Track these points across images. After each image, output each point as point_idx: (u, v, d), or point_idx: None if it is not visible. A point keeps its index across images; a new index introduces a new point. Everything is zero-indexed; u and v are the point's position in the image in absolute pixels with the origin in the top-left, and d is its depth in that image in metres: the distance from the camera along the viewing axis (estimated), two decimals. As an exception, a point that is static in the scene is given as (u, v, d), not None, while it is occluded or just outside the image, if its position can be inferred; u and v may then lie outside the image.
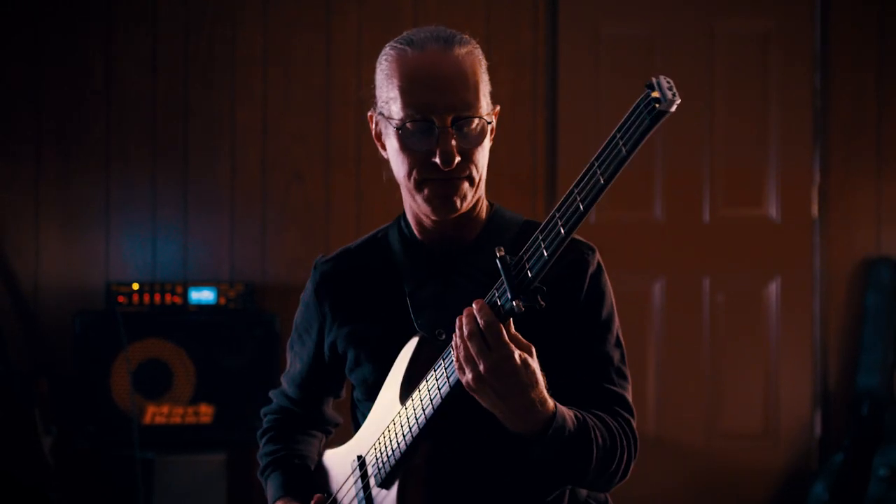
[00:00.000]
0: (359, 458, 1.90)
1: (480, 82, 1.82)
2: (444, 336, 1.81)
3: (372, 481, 1.86)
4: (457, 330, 1.65)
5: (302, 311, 2.06)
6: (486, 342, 1.61)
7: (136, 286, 4.20)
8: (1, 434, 4.04)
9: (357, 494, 1.90)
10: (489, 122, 1.82)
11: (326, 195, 4.60)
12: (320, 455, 2.07)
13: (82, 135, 4.49)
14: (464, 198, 1.82)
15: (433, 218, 1.85)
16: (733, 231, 4.77)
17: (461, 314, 1.68)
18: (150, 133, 4.52)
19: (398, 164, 1.84)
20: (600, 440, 1.75)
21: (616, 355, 1.89)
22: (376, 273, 1.95)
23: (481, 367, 1.61)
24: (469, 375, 1.63)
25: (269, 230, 4.56)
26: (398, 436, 1.79)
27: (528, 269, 1.57)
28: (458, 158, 1.77)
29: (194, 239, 4.52)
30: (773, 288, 4.78)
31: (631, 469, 1.83)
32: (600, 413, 1.80)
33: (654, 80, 1.43)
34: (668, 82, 1.43)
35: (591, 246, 1.91)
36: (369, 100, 1.91)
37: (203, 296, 4.23)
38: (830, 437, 4.72)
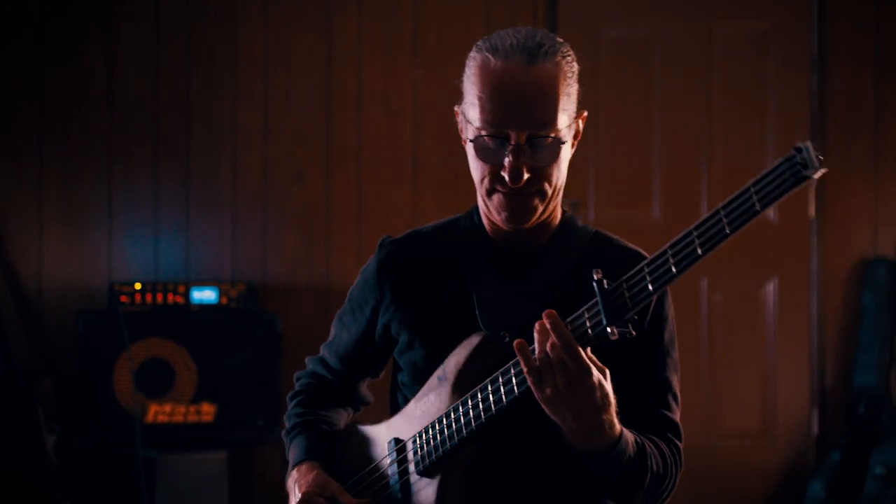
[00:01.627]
0: (397, 440, 1.90)
1: (561, 96, 1.79)
2: (508, 338, 1.80)
3: (411, 467, 1.86)
4: (536, 339, 1.64)
5: (360, 285, 2.03)
6: (564, 358, 1.62)
7: (138, 286, 4.22)
8: (4, 433, 4.06)
9: (392, 476, 1.90)
10: (563, 143, 1.80)
11: (327, 196, 4.62)
12: (352, 428, 2.05)
13: (85, 135, 4.51)
14: (533, 212, 1.83)
15: (503, 226, 1.87)
16: (731, 231, 4.79)
17: (530, 318, 1.67)
18: (152, 134, 4.54)
19: (473, 168, 1.86)
20: (654, 467, 1.77)
21: (674, 379, 1.90)
22: (443, 262, 1.95)
23: (559, 382, 1.63)
24: (547, 391, 1.64)
25: (271, 230, 4.58)
26: (450, 429, 1.78)
27: (628, 297, 1.58)
28: (527, 176, 1.78)
29: (196, 239, 4.54)
30: (771, 288, 4.80)
31: (672, 493, 1.85)
32: (657, 439, 1.82)
33: (802, 144, 1.42)
34: (816, 149, 1.42)
35: None
36: (459, 93, 1.89)
37: (205, 295, 4.25)
38: (827, 435, 4.74)
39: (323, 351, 2.13)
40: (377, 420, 2.01)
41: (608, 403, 1.66)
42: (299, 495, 1.92)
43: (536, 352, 1.65)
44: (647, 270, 1.56)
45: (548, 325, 1.63)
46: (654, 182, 4.77)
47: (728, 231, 1.47)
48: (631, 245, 1.95)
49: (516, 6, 4.69)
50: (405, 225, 4.79)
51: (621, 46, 4.78)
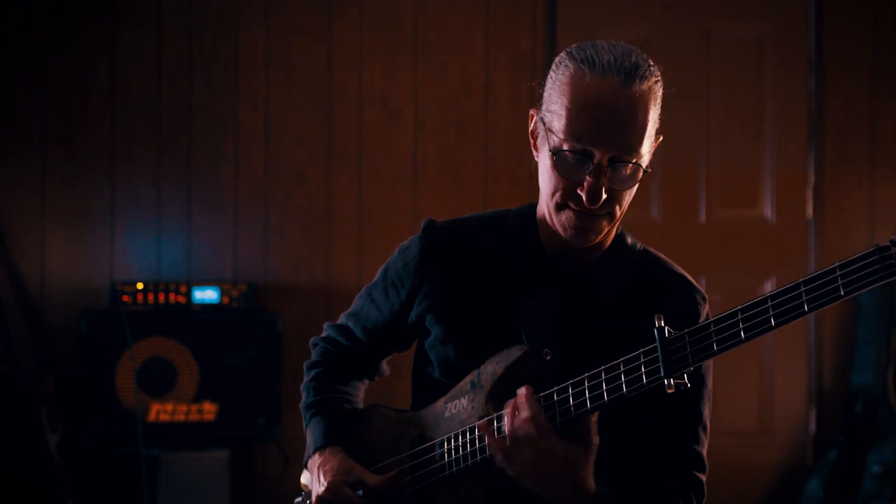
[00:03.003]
0: (422, 437, 1.88)
1: (649, 122, 1.74)
2: (549, 356, 1.80)
3: (437, 470, 1.84)
4: (507, 417, 1.66)
5: (398, 265, 1.96)
6: (534, 433, 1.64)
7: (140, 285, 4.24)
8: (8, 431, 4.07)
9: (413, 474, 1.87)
10: (645, 170, 1.75)
11: (328, 196, 4.64)
12: (373, 410, 2.02)
13: (87, 136, 4.53)
14: (599, 233, 1.78)
15: (567, 241, 1.81)
16: (729, 231, 4.82)
17: (573, 337, 1.66)
18: (154, 135, 4.57)
19: (544, 180, 1.79)
20: None
21: (706, 409, 1.86)
22: (490, 260, 1.89)
23: (527, 457, 1.65)
24: (517, 466, 1.67)
25: (272, 230, 4.60)
26: (481, 441, 1.77)
27: (690, 352, 1.54)
28: (604, 197, 1.72)
29: (198, 239, 4.56)
30: (769, 287, 4.82)
31: None
32: (665, 493, 1.80)
33: None
34: None
35: (705, 295, 1.87)
36: (537, 95, 1.83)
37: (206, 295, 4.27)
38: (825, 434, 4.76)
39: (345, 320, 2.06)
40: (392, 398, 2.01)
41: (576, 480, 1.66)
42: (325, 483, 1.89)
43: (507, 428, 1.67)
44: (713, 329, 1.52)
45: (521, 399, 1.64)
46: (653, 182, 4.79)
47: (806, 309, 1.44)
48: (678, 268, 1.91)
49: (516, 8, 4.71)
50: (406, 225, 4.84)
51: (620, 48, 4.80)
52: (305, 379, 2.07)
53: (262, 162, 4.61)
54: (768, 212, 4.83)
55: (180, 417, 4.18)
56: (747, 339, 1.49)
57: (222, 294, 4.28)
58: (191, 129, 4.59)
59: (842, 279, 1.41)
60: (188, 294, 4.26)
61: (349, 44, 4.66)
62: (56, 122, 4.52)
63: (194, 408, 4.20)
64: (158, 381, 4.18)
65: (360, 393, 2.09)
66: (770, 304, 1.47)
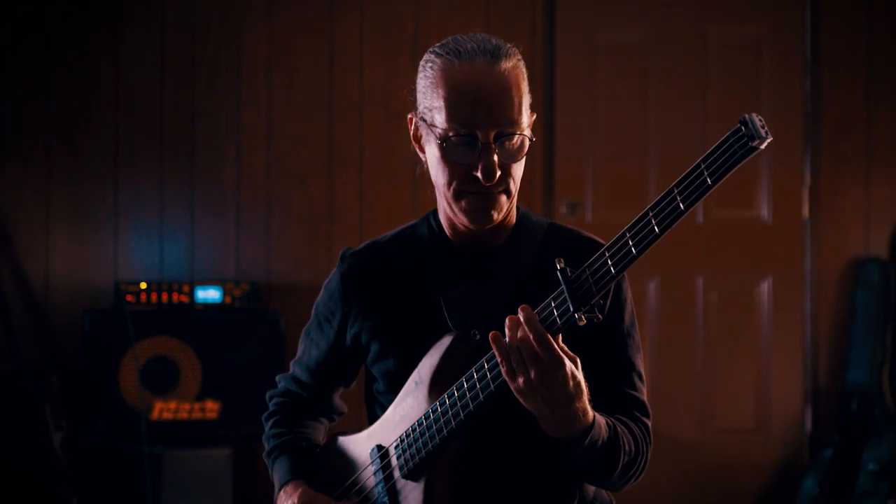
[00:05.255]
0: (380, 447, 1.92)
1: (523, 95, 1.82)
2: (478, 336, 1.83)
3: (396, 473, 1.87)
4: (507, 332, 1.65)
5: (325, 299, 2.05)
6: (538, 350, 1.63)
7: (143, 285, 4.26)
8: (12, 430, 4.10)
9: (378, 484, 1.91)
10: (530, 139, 1.82)
11: (329, 197, 4.67)
12: (334, 440, 2.06)
13: (91, 137, 4.56)
14: (500, 210, 1.84)
15: (470, 227, 1.87)
16: (726, 231, 4.85)
17: (498, 315, 1.70)
18: (157, 136, 4.59)
19: (438, 173, 1.85)
20: (627, 447, 1.80)
21: (638, 360, 1.92)
22: (405, 269, 1.96)
23: (532, 374, 1.64)
24: (520, 380, 1.65)
25: (274, 231, 4.63)
26: (430, 430, 1.80)
27: (592, 283, 1.59)
28: (498, 173, 1.79)
29: (201, 239, 4.59)
30: (765, 287, 4.85)
31: (645, 470, 1.89)
32: (626, 419, 1.85)
33: (747, 116, 1.45)
34: (760, 120, 1.46)
35: None
36: (410, 101, 1.91)
37: (209, 295, 4.30)
38: (821, 432, 4.79)
39: (293, 368, 2.13)
40: (357, 430, 2.02)
41: (580, 392, 1.67)
42: None
43: (508, 344, 1.66)
44: (608, 255, 1.58)
45: (521, 319, 1.64)
46: (651, 184, 4.82)
47: (682, 208, 1.51)
48: (588, 234, 1.98)
49: (514, 11, 4.74)
50: (406, 225, 4.85)
51: (618, 50, 4.84)
52: (265, 430, 2.13)
53: (264, 162, 4.64)
54: (765, 212, 4.85)
55: (183, 416, 4.21)
56: (638, 253, 1.55)
57: (224, 294, 4.30)
58: (193, 130, 4.61)
59: (707, 170, 1.50)
60: (191, 294, 4.29)
61: (350, 45, 4.69)
62: (60, 123, 4.54)
63: (197, 406, 4.22)
64: (161, 379, 4.20)
65: (320, 433, 2.14)
66: (651, 214, 1.54)
